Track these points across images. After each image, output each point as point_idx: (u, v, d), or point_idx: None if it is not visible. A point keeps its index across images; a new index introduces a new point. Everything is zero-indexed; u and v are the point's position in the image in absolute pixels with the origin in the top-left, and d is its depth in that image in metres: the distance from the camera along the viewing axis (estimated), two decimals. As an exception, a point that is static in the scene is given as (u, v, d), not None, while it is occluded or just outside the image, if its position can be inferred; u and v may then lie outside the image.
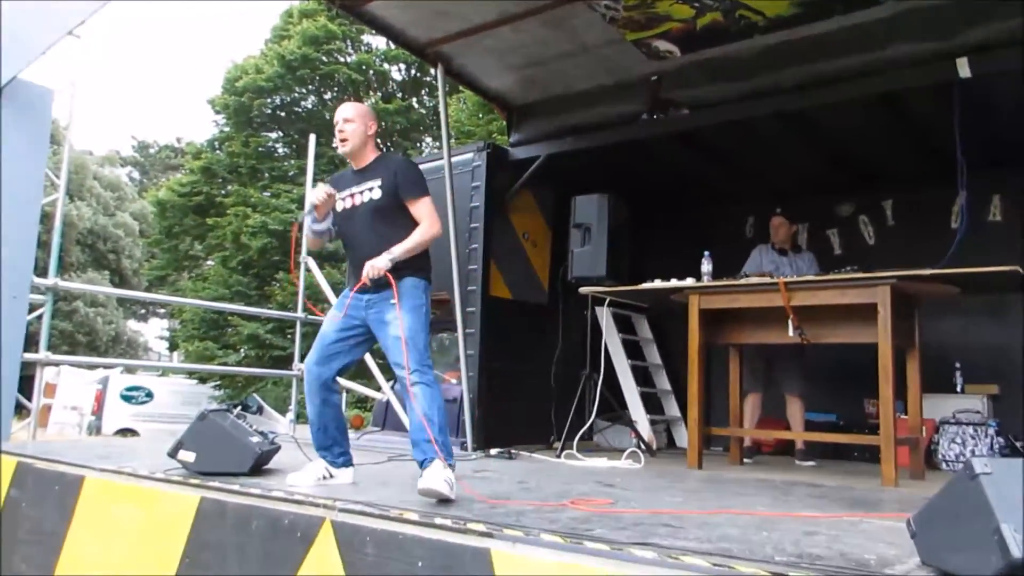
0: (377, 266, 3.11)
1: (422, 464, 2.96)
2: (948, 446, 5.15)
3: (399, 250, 3.16)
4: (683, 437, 6.38)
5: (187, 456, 3.39)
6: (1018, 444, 5.09)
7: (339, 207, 3.37)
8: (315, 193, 3.31)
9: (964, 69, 4.16)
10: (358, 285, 3.20)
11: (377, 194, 3.28)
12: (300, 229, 3.32)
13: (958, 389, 5.56)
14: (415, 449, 3.03)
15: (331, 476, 3.30)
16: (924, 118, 5.18)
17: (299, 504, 2.73)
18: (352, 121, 3.35)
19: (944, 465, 5.15)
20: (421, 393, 3.05)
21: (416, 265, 3.28)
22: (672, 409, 6.71)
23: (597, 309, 6.19)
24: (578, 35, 4.89)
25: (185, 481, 3.17)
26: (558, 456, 5.11)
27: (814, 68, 4.66)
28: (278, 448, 3.75)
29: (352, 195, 3.36)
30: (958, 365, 5.60)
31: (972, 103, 4.56)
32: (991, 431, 5.07)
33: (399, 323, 3.13)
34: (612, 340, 6.36)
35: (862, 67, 4.49)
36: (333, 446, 3.35)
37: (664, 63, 5.13)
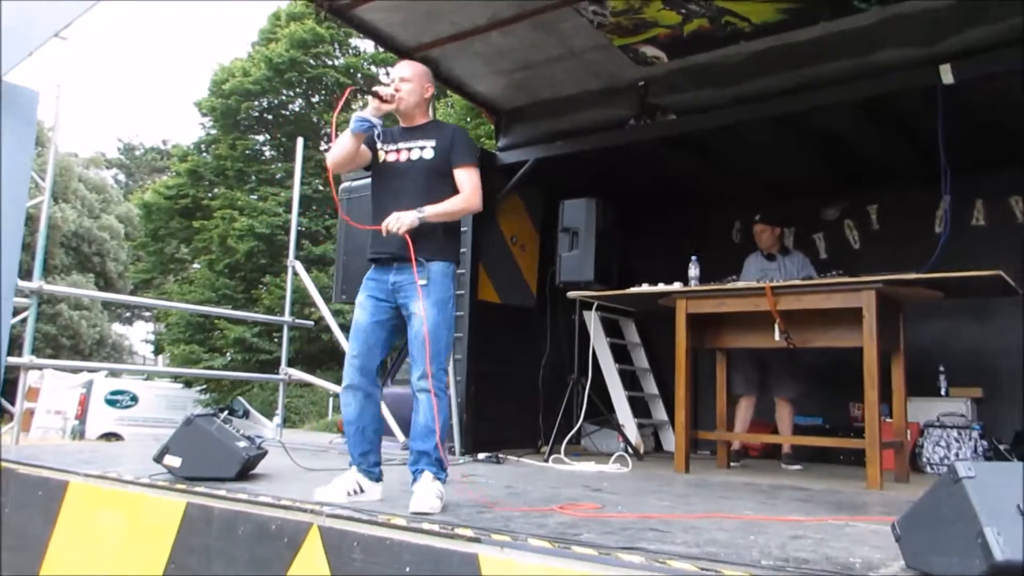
0: (403, 220, 2.85)
1: (415, 473, 2.87)
2: (933, 449, 5.19)
3: (432, 210, 2.92)
4: (670, 441, 6.40)
5: (173, 461, 3.36)
6: (1002, 447, 5.13)
7: (382, 157, 3.09)
8: (382, 87, 3.04)
9: (947, 75, 4.20)
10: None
11: (430, 154, 3.05)
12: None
13: (942, 392, 5.60)
14: (412, 455, 2.93)
15: (362, 491, 2.94)
16: (908, 123, 5.22)
17: (286, 509, 2.71)
18: (409, 80, 3.11)
19: (929, 468, 5.19)
20: (429, 402, 2.88)
21: (447, 246, 3.06)
22: (659, 413, 6.72)
23: (585, 313, 6.21)
24: (566, 40, 4.91)
25: (171, 486, 3.15)
26: (546, 460, 5.12)
27: (800, 74, 4.69)
28: (265, 453, 3.73)
29: (399, 150, 3.09)
30: (942, 368, 5.64)
31: (955, 108, 4.60)
32: (975, 434, 5.11)
33: (423, 317, 2.92)
34: (600, 344, 6.38)
35: (847, 73, 4.53)
36: (370, 452, 3.02)
37: (651, 68, 5.15)
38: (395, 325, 3.07)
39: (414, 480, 2.85)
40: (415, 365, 2.92)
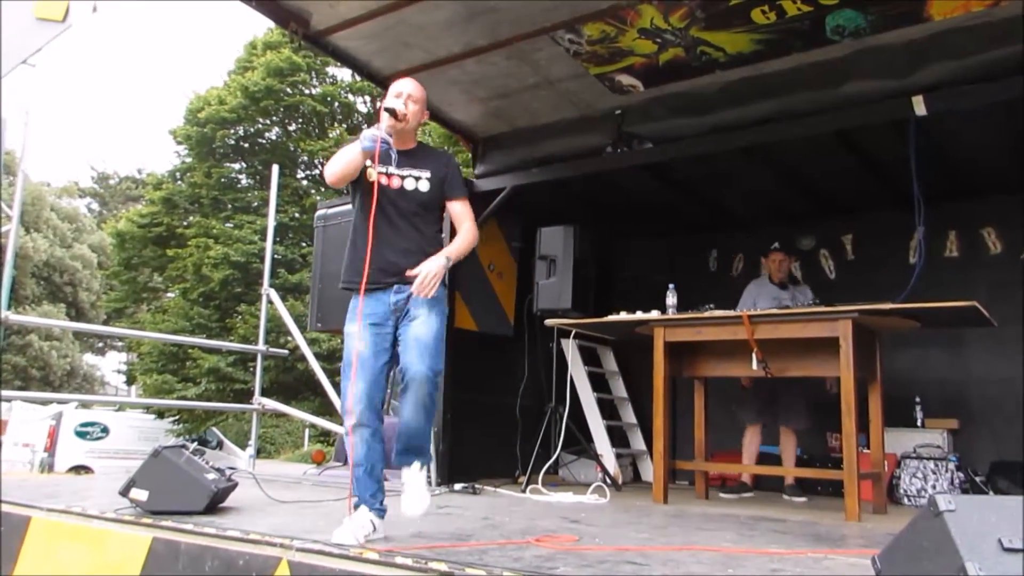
0: (437, 274, 2.81)
1: (403, 463, 2.89)
2: (910, 480, 5.19)
3: (455, 254, 2.91)
4: (649, 471, 6.34)
5: (139, 495, 3.26)
6: (978, 479, 5.14)
7: (373, 177, 2.93)
8: (396, 101, 2.96)
9: (919, 107, 4.26)
10: (411, 272, 2.83)
11: (425, 186, 2.99)
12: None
13: (918, 423, 5.60)
14: (405, 455, 2.89)
15: (375, 530, 2.80)
16: (882, 154, 5.28)
17: (255, 544, 2.64)
18: (417, 101, 3.02)
19: (906, 500, 5.18)
20: (426, 402, 2.85)
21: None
22: (638, 443, 6.68)
23: (563, 341, 6.17)
24: (542, 69, 4.93)
25: (137, 521, 3.06)
26: (523, 491, 5.05)
27: (775, 104, 4.74)
28: (235, 485, 3.64)
29: (391, 175, 2.97)
30: (918, 399, 5.65)
31: (928, 140, 4.66)
32: (951, 466, 5.11)
33: (427, 323, 2.88)
34: (578, 373, 6.34)
35: (821, 104, 4.58)
36: (378, 491, 2.89)
37: (628, 97, 5.18)
38: (394, 355, 2.97)
39: (402, 468, 2.91)
40: (412, 369, 2.84)
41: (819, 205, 6.34)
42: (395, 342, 2.94)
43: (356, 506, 2.84)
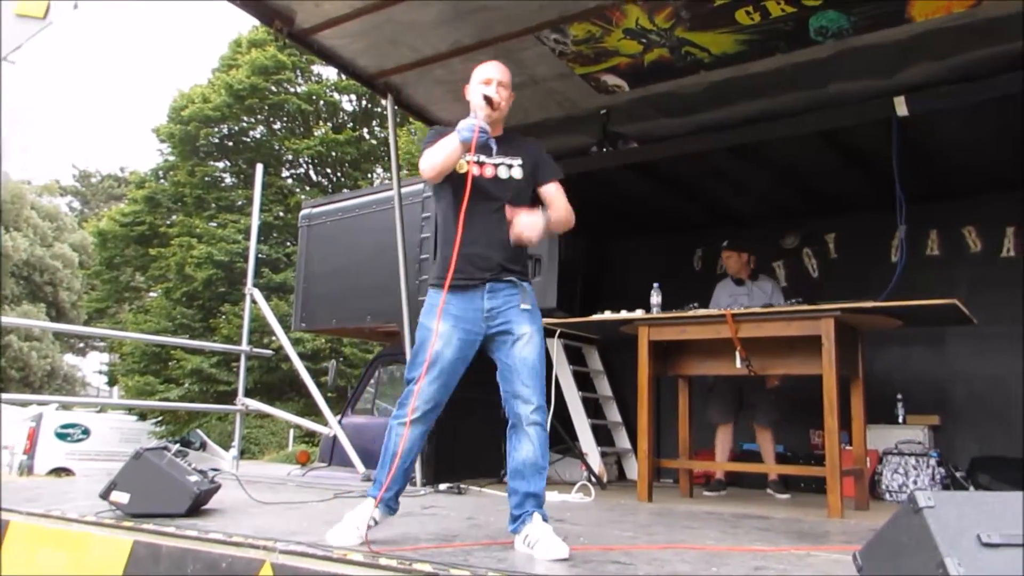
0: (536, 224, 2.67)
1: (522, 517, 2.62)
2: (891, 476, 5.23)
3: (551, 221, 2.77)
4: (634, 469, 6.36)
5: (120, 497, 3.23)
6: (958, 474, 5.19)
7: (464, 168, 2.76)
8: (488, 89, 2.80)
9: (901, 107, 4.30)
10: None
11: (519, 173, 2.84)
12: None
13: (900, 420, 5.65)
14: (520, 498, 2.65)
15: (376, 524, 2.74)
16: (865, 153, 5.32)
17: (237, 546, 2.62)
18: (506, 87, 2.87)
19: (888, 496, 5.22)
20: (540, 438, 2.68)
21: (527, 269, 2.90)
22: (623, 441, 6.69)
23: (548, 340, 6.17)
24: (528, 68, 4.93)
25: (118, 524, 3.03)
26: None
27: (759, 104, 4.77)
28: (218, 487, 3.61)
29: (483, 164, 2.81)
30: (900, 396, 5.70)
31: (910, 140, 4.71)
32: (932, 462, 5.16)
33: (534, 343, 2.73)
34: (563, 372, 6.34)
35: (805, 104, 4.62)
36: (402, 488, 2.86)
37: (613, 97, 5.19)
38: (468, 364, 2.84)
39: (519, 523, 2.63)
40: (521, 395, 2.70)
41: (803, 204, 6.38)
42: (479, 352, 2.81)
43: (373, 495, 2.74)
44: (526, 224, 2.67)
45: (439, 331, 2.71)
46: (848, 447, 4.62)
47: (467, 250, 2.72)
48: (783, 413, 5.38)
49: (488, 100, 2.74)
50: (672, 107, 5.04)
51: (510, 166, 2.84)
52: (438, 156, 2.70)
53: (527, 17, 4.38)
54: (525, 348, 2.73)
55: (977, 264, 5.84)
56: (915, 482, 5.10)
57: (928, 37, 4.14)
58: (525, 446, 2.69)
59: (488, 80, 2.84)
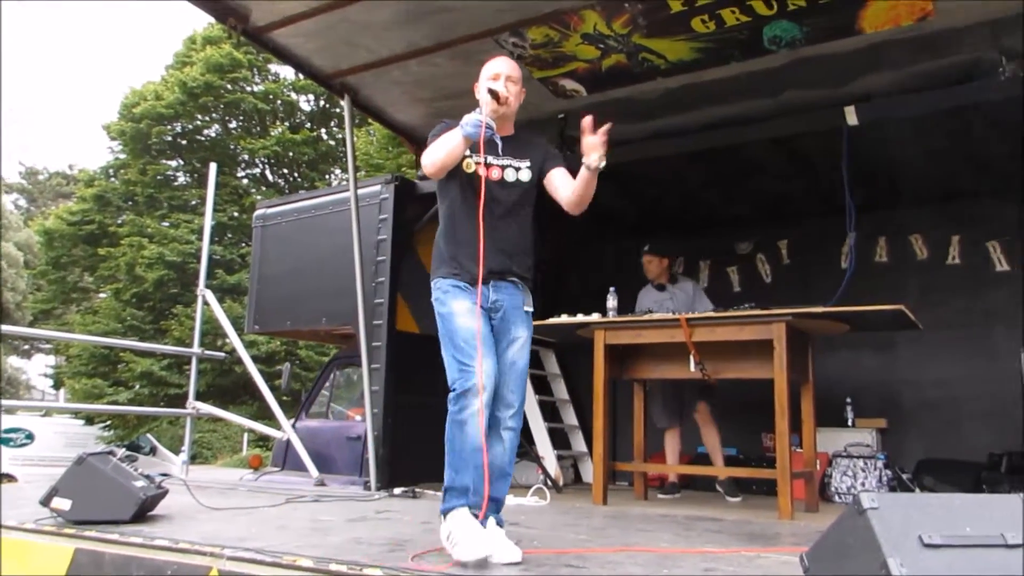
0: (601, 154, 2.62)
1: (485, 521, 2.53)
2: (840, 479, 5.33)
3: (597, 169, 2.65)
4: (590, 472, 6.38)
5: (62, 504, 3.14)
6: (905, 476, 5.31)
7: (471, 168, 2.69)
8: (495, 84, 2.69)
9: (851, 116, 4.39)
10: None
11: (526, 176, 2.77)
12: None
13: (849, 423, 5.76)
14: (490, 506, 2.56)
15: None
16: (816, 161, 5.43)
17: (183, 553, 2.56)
18: (516, 82, 2.77)
19: (837, 497, 5.32)
20: (511, 443, 2.66)
21: (531, 267, 2.82)
22: (579, 444, 6.71)
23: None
24: (486, 71, 4.92)
25: (58, 531, 2.94)
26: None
27: (714, 111, 4.83)
28: (165, 492, 3.53)
29: (491, 166, 2.73)
30: (849, 400, 5.81)
31: (860, 149, 4.81)
32: (880, 464, 5.27)
33: (525, 348, 2.69)
34: (519, 375, 6.33)
35: (758, 112, 4.69)
36: (480, 489, 2.55)
37: (571, 101, 5.21)
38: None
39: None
40: (505, 399, 2.65)
41: (757, 210, 6.48)
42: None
43: (453, 507, 2.50)
44: (596, 156, 2.63)
45: (461, 309, 2.63)
46: (799, 450, 4.69)
47: (472, 255, 2.64)
48: (720, 402, 5.45)
49: (494, 94, 2.62)
50: (629, 113, 5.08)
51: (518, 168, 2.77)
52: (440, 152, 2.63)
53: (485, 20, 4.38)
54: (519, 353, 2.70)
55: (924, 271, 5.99)
56: (863, 484, 5.20)
57: (878, 49, 4.24)
58: (497, 450, 2.64)
59: (496, 75, 2.74)
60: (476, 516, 2.49)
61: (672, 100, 4.89)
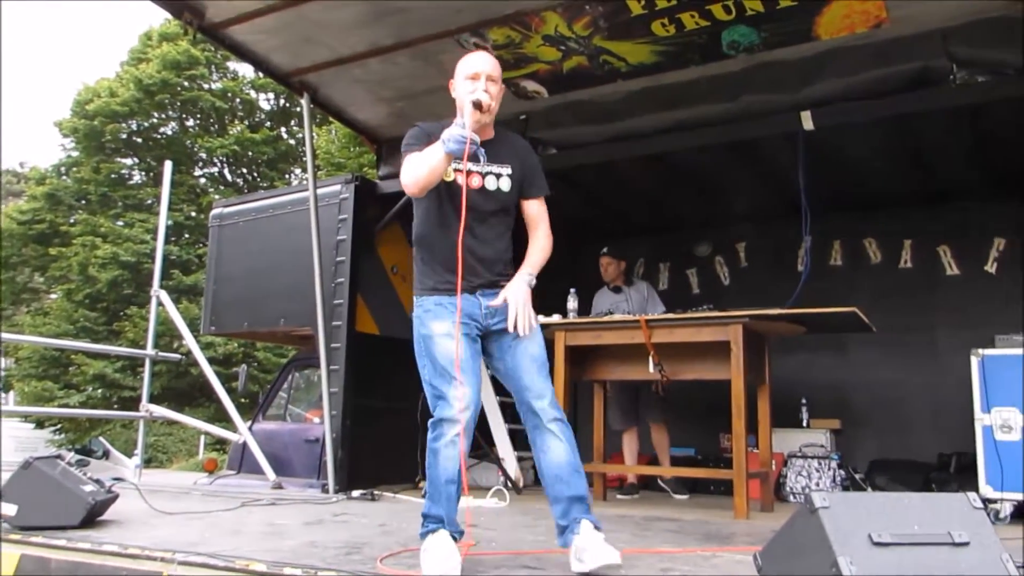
0: (527, 301, 2.47)
1: (570, 526, 2.39)
2: (795, 478, 5.41)
3: (535, 268, 2.57)
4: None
5: (7, 509, 3.07)
6: (857, 476, 5.41)
7: (449, 176, 2.52)
8: (477, 90, 2.50)
9: (807, 121, 4.46)
10: (496, 302, 2.49)
11: (506, 185, 2.61)
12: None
13: (804, 424, 5.86)
14: (565, 505, 2.42)
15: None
16: (773, 165, 5.50)
17: (133, 559, 2.51)
18: (496, 82, 2.58)
19: (792, 497, 5.40)
20: (566, 433, 2.45)
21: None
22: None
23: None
24: (447, 71, 4.83)
25: (4, 537, 2.86)
26: (423, 496, 4.98)
27: (674, 114, 4.87)
28: (115, 497, 3.45)
29: (470, 173, 2.55)
30: (804, 401, 5.91)
31: (815, 153, 4.89)
32: (834, 464, 5.36)
33: (536, 337, 2.53)
34: (483, 377, 6.32)
35: (717, 116, 4.73)
36: (456, 511, 2.52)
37: (533, 103, 5.22)
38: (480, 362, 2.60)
39: (567, 533, 2.40)
40: (532, 388, 2.47)
41: (716, 213, 6.55)
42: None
43: (432, 530, 2.42)
44: (521, 316, 2.45)
45: (441, 331, 2.48)
46: (755, 450, 4.75)
47: (453, 264, 2.50)
48: (673, 411, 5.53)
49: (477, 104, 2.44)
50: (590, 115, 5.10)
51: (498, 176, 2.61)
52: (422, 171, 2.45)
53: (446, 20, 4.37)
54: (530, 344, 2.52)
55: (877, 274, 6.12)
56: (817, 484, 5.29)
57: (833, 55, 4.31)
58: (554, 446, 2.44)
59: (476, 75, 2.55)
60: (456, 540, 2.43)
61: (632, 103, 4.92)
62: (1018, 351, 4.37)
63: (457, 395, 2.41)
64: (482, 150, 2.54)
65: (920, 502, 1.84)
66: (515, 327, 2.43)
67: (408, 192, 2.54)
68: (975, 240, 5.82)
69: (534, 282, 2.53)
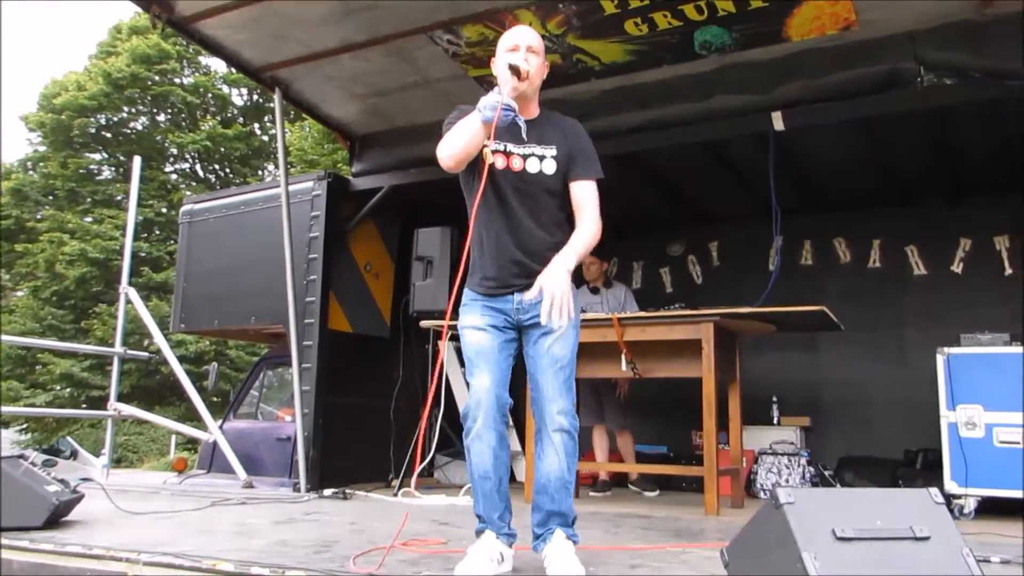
0: (566, 291, 2.22)
1: (543, 537, 2.37)
2: (765, 475, 5.46)
3: (578, 256, 2.35)
4: (523, 471, 6.40)
5: (-31, 510, 3.00)
6: (827, 473, 5.48)
7: (489, 159, 2.41)
8: (514, 56, 2.39)
9: (778, 122, 4.49)
10: (530, 293, 2.30)
11: (551, 167, 2.45)
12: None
13: (775, 421, 5.92)
14: (543, 516, 2.38)
15: (503, 560, 2.35)
16: (745, 165, 5.55)
17: (97, 559, 2.48)
18: (538, 54, 2.45)
19: (762, 494, 5.45)
20: (567, 445, 2.37)
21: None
22: (513, 443, 6.70)
23: (439, 343, 6.14)
24: (421, 68, 4.89)
25: (-36, 538, 2.80)
26: (395, 494, 4.98)
27: (646, 114, 4.88)
28: (80, 497, 3.41)
29: (510, 155, 2.43)
30: (775, 399, 5.97)
31: (786, 154, 4.93)
32: (803, 461, 5.42)
33: (565, 338, 2.41)
34: (454, 374, 6.30)
35: (689, 115, 4.75)
36: (506, 511, 2.42)
37: (506, 101, 5.20)
38: (514, 358, 2.48)
39: (540, 541, 2.38)
40: (545, 393, 2.39)
41: (689, 213, 6.59)
42: (515, 355, 2.49)
43: (479, 531, 2.38)
44: (555, 301, 2.20)
45: (473, 323, 2.42)
46: (726, 447, 4.79)
47: (499, 257, 2.43)
48: (631, 415, 5.58)
49: (514, 69, 2.32)
50: (564, 113, 5.09)
51: (542, 157, 2.45)
52: (457, 142, 2.34)
53: (419, 17, 4.34)
54: (556, 344, 2.40)
55: (846, 274, 6.20)
56: (787, 480, 5.35)
57: (804, 56, 4.35)
58: (549, 457, 2.38)
59: (515, 46, 2.43)
60: (511, 538, 2.40)
61: (606, 102, 4.93)
62: (982, 350, 4.45)
63: (476, 386, 2.36)
64: (521, 119, 2.38)
65: (883, 498, 1.87)
66: (549, 319, 2.21)
67: (445, 167, 2.40)
68: (942, 241, 5.91)
69: (569, 270, 2.30)
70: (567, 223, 2.53)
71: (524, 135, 2.43)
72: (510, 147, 2.44)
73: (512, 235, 2.43)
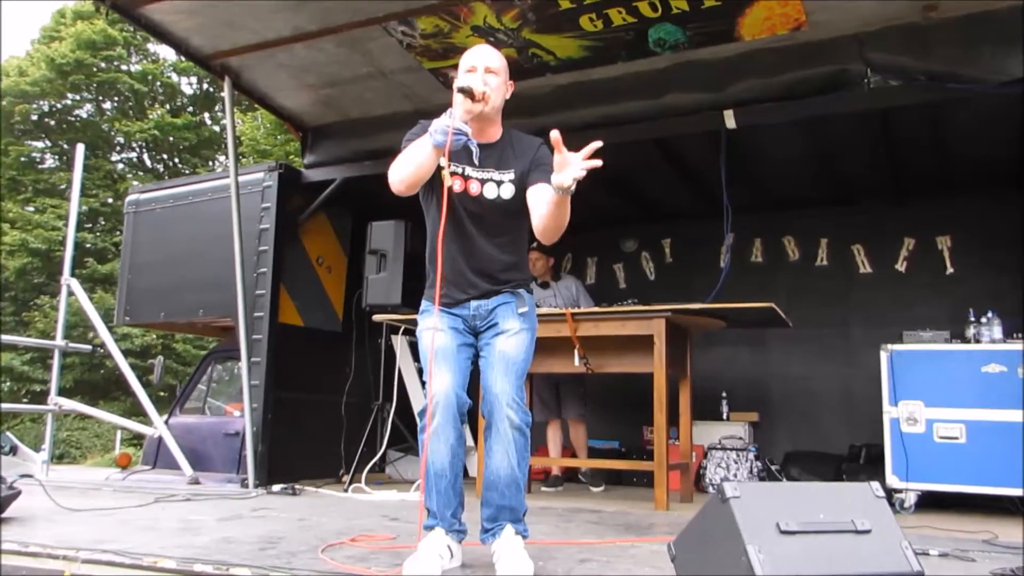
0: (575, 176, 2.18)
1: (493, 531, 2.36)
2: (714, 470, 5.54)
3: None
4: (475, 466, 6.39)
5: None
6: (773, 467, 5.58)
7: (447, 182, 2.36)
8: (470, 77, 2.34)
9: (730, 120, 4.55)
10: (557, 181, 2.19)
11: (508, 192, 2.40)
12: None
13: (724, 417, 6.01)
14: (493, 511, 2.37)
15: (452, 556, 2.34)
16: (697, 163, 5.60)
17: (34, 556, 2.40)
18: (497, 74, 2.39)
19: (711, 488, 5.52)
20: (517, 441, 2.34)
21: (529, 275, 2.58)
22: (467, 438, 6.70)
23: (392, 337, 6.09)
24: (375, 59, 4.83)
25: None
26: (346, 490, 4.93)
27: (601, 110, 4.90)
28: (17, 493, 3.30)
29: (468, 179, 2.39)
30: (724, 394, 6.06)
31: (738, 152, 5.00)
32: (751, 455, 5.51)
33: (518, 338, 2.39)
34: (407, 369, 6.26)
35: (643, 112, 4.79)
36: (459, 507, 2.41)
37: (460, 95, 5.17)
38: (472, 362, 2.47)
39: (489, 535, 2.37)
40: (493, 388, 2.36)
41: (642, 210, 6.64)
42: (474, 361, 2.48)
43: (429, 526, 2.34)
44: (567, 178, 2.18)
45: (432, 325, 2.38)
46: (676, 442, 4.85)
47: (452, 275, 2.41)
48: (596, 406, 5.65)
49: (467, 92, 2.25)
50: (518, 108, 5.05)
51: (500, 183, 2.41)
52: (407, 167, 2.27)
53: (372, 7, 4.29)
54: (507, 342, 2.39)
55: (794, 271, 6.31)
56: (735, 475, 5.43)
57: (755, 55, 4.41)
58: (498, 454, 2.35)
59: (472, 67, 2.38)
60: (461, 535, 2.39)
61: (560, 97, 4.93)
62: (924, 346, 4.57)
63: (431, 386, 2.33)
64: (474, 142, 2.33)
65: (826, 492, 1.90)
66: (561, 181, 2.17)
67: (396, 191, 2.32)
68: (887, 240, 6.05)
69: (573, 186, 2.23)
70: (528, 236, 2.51)
71: (476, 160, 2.39)
72: (468, 171, 2.40)
73: (467, 258, 2.43)
